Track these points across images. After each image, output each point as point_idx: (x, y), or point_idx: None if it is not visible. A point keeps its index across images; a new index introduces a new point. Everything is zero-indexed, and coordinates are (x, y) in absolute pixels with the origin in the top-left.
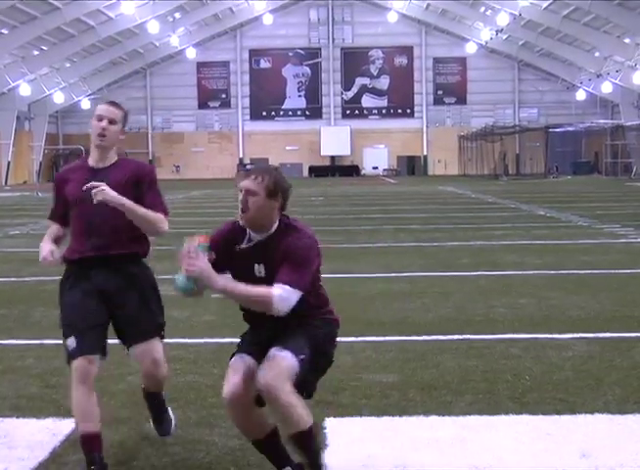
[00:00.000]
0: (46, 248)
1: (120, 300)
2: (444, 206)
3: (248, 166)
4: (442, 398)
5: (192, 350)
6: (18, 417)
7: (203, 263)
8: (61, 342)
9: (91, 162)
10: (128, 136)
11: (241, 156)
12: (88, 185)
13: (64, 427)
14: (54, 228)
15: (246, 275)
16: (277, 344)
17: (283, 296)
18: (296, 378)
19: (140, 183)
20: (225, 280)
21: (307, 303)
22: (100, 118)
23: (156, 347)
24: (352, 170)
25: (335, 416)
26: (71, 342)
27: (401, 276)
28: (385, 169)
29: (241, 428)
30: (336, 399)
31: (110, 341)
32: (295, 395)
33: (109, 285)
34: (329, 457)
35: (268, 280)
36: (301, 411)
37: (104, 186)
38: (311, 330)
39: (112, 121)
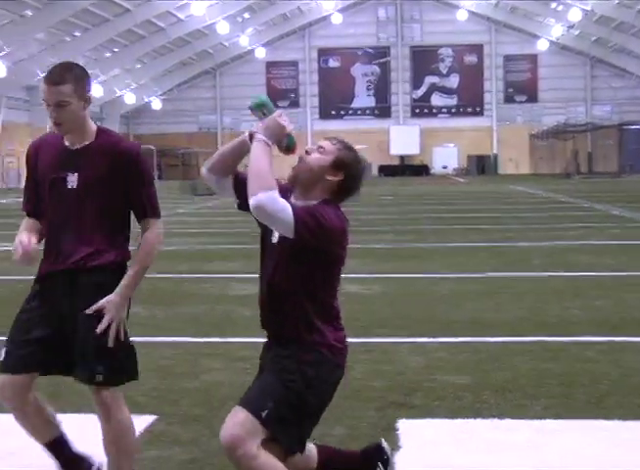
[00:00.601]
0: (23, 238)
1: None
2: (515, 205)
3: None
4: (517, 400)
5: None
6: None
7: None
8: (134, 339)
9: (67, 140)
10: (198, 136)
11: None
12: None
13: (138, 424)
14: (29, 223)
15: None
16: (246, 392)
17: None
18: (267, 434)
19: (124, 174)
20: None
21: (307, 310)
22: (47, 104)
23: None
24: (422, 170)
25: (407, 418)
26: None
27: (473, 276)
28: (454, 169)
29: None
30: (408, 400)
31: (182, 339)
32: (260, 458)
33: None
34: (401, 459)
35: None
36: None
37: (108, 313)
38: (290, 374)
39: (60, 104)
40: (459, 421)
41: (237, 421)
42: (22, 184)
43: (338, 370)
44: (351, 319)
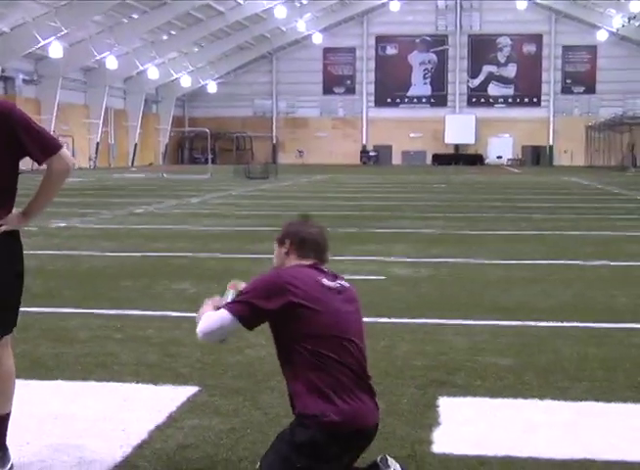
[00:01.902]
0: None
1: None
2: (569, 196)
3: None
4: (559, 383)
5: None
6: (137, 382)
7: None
8: (180, 313)
9: None
10: (252, 120)
11: (364, 142)
12: None
13: (181, 394)
14: None
15: None
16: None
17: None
18: None
19: (11, 130)
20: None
21: (291, 378)
22: None
23: None
24: (476, 159)
25: (448, 396)
26: None
27: (522, 263)
28: (509, 159)
29: None
30: (450, 379)
31: None
32: None
33: None
34: (441, 436)
35: None
36: None
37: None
38: (281, 439)
39: None
40: (500, 401)
41: None
42: (76, 165)
43: (319, 449)
44: (398, 301)
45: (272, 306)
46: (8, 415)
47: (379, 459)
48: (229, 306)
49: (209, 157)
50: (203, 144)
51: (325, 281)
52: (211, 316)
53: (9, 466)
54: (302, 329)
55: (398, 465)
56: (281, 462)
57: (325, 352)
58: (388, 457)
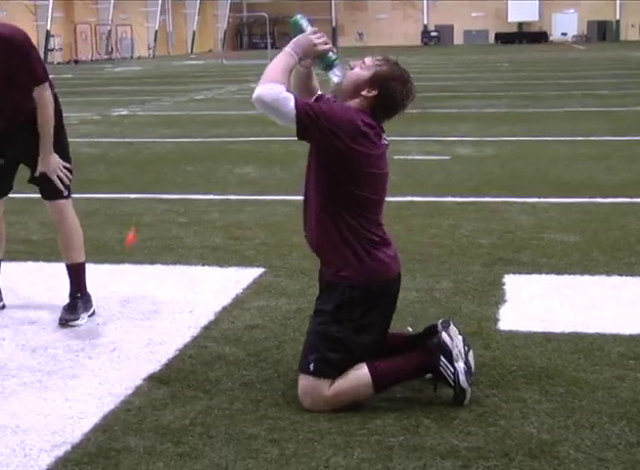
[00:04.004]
0: None
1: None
2: (636, 71)
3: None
4: (626, 259)
5: None
6: (203, 265)
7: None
8: (244, 197)
9: None
10: (311, 4)
11: (425, 23)
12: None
13: (246, 275)
14: None
15: None
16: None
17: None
18: (325, 377)
19: (11, 57)
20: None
21: (334, 227)
22: None
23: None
24: (540, 37)
25: (514, 273)
26: None
27: (587, 140)
28: (574, 36)
29: None
30: (516, 256)
31: (293, 197)
32: (335, 397)
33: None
34: (507, 312)
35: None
36: (352, 395)
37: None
38: (320, 317)
39: None
40: (566, 277)
41: (302, 389)
42: (135, 54)
43: (372, 293)
44: (462, 180)
45: (331, 139)
46: (84, 264)
47: (440, 321)
48: (301, 101)
49: (269, 41)
50: (261, 29)
51: (384, 140)
52: (277, 88)
53: (91, 311)
54: (349, 174)
55: (458, 334)
56: (323, 338)
57: (365, 203)
58: (452, 324)
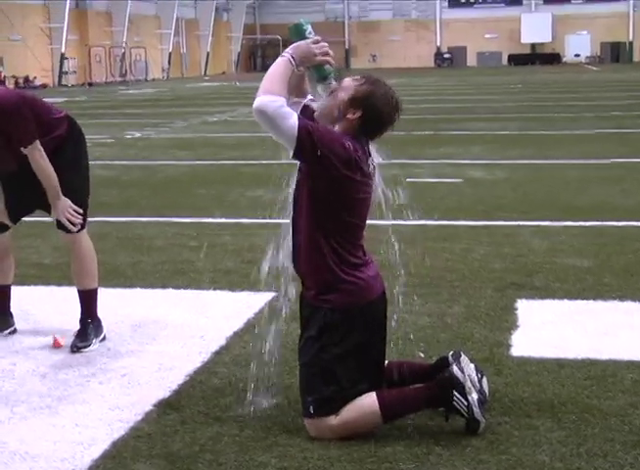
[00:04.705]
0: None
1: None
2: None
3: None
4: (639, 284)
5: None
6: (214, 289)
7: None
8: (256, 220)
9: None
10: (324, 25)
11: (438, 44)
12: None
13: (258, 300)
14: None
15: None
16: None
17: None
18: (325, 410)
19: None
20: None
21: (320, 248)
22: None
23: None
24: (553, 58)
25: (527, 298)
26: None
27: (600, 163)
28: (587, 57)
29: None
30: (528, 281)
31: None
32: (343, 425)
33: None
34: (519, 338)
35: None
36: (359, 424)
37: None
38: (306, 356)
39: None
40: (579, 302)
41: (308, 429)
42: (149, 76)
43: (354, 315)
44: (474, 203)
45: (326, 161)
46: (96, 290)
47: (450, 353)
48: (303, 121)
49: None
50: (275, 51)
51: (371, 167)
52: (279, 101)
53: (102, 336)
54: (341, 200)
55: (470, 362)
56: (314, 372)
57: (352, 229)
58: (463, 353)
